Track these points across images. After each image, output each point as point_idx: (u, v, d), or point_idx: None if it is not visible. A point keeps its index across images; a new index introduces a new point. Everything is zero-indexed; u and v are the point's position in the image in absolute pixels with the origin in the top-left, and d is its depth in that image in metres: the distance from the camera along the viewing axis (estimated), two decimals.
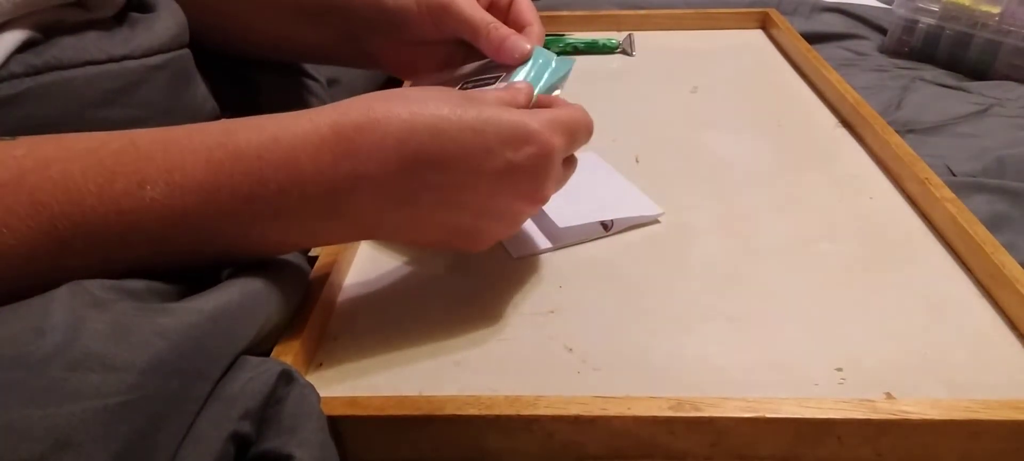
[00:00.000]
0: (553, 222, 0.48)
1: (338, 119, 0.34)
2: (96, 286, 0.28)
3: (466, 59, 0.53)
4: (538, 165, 0.37)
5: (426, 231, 0.38)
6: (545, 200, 0.40)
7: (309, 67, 0.63)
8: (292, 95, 0.60)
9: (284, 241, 0.36)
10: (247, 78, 0.58)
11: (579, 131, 0.41)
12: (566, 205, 0.49)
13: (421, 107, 0.35)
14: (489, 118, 0.36)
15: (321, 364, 0.39)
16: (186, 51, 0.46)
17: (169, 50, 0.43)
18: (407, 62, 0.55)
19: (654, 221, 0.50)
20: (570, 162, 0.43)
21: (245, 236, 0.34)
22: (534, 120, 0.37)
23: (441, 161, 0.35)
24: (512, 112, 0.37)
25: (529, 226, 0.50)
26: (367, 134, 0.34)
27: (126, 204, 0.30)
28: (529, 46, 0.47)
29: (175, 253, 0.32)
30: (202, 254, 0.34)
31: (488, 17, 0.49)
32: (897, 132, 0.57)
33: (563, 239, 0.48)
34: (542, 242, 0.48)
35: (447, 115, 0.35)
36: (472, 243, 0.40)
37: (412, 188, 0.35)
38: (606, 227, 0.49)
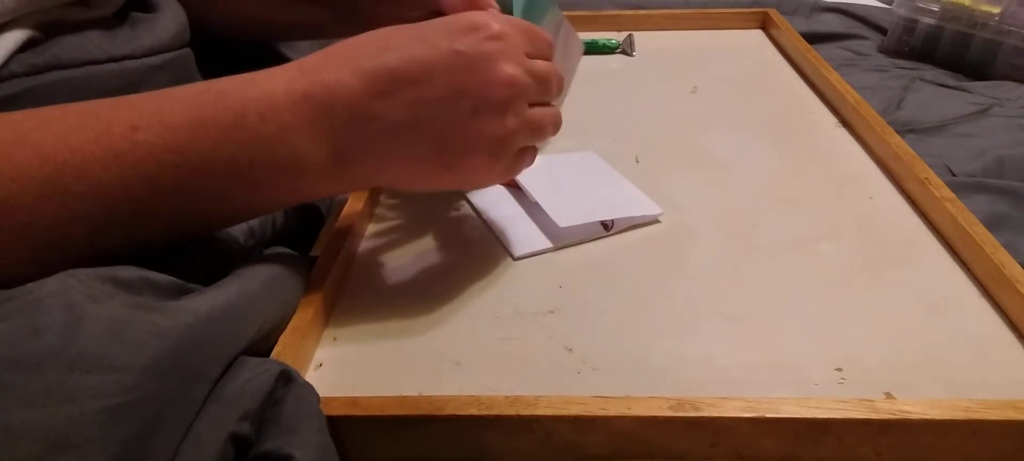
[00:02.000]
0: (553, 221, 0.48)
1: (304, 61, 0.37)
2: (91, 277, 0.28)
3: None
4: (488, 48, 0.37)
5: (404, 150, 0.38)
6: (508, 80, 0.38)
7: None
8: None
9: (272, 181, 0.36)
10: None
11: (538, 37, 0.41)
12: (566, 205, 0.50)
13: (377, 33, 0.38)
14: (433, 22, 0.38)
15: (321, 364, 0.39)
16: (187, 51, 0.46)
17: (170, 50, 0.43)
18: None
19: (654, 221, 0.50)
20: (546, 90, 0.41)
21: (232, 170, 0.35)
22: (480, 14, 0.38)
23: (395, 69, 0.36)
24: (458, 11, 0.38)
25: (529, 226, 0.50)
26: (331, 61, 0.36)
27: (122, 147, 0.32)
28: None
29: (170, 194, 0.34)
30: (197, 197, 0.35)
31: None
32: (897, 132, 0.57)
33: (563, 238, 0.48)
34: (542, 242, 0.48)
35: (398, 31, 0.38)
36: (459, 161, 0.39)
37: (379, 107, 0.36)
38: (606, 227, 0.49)
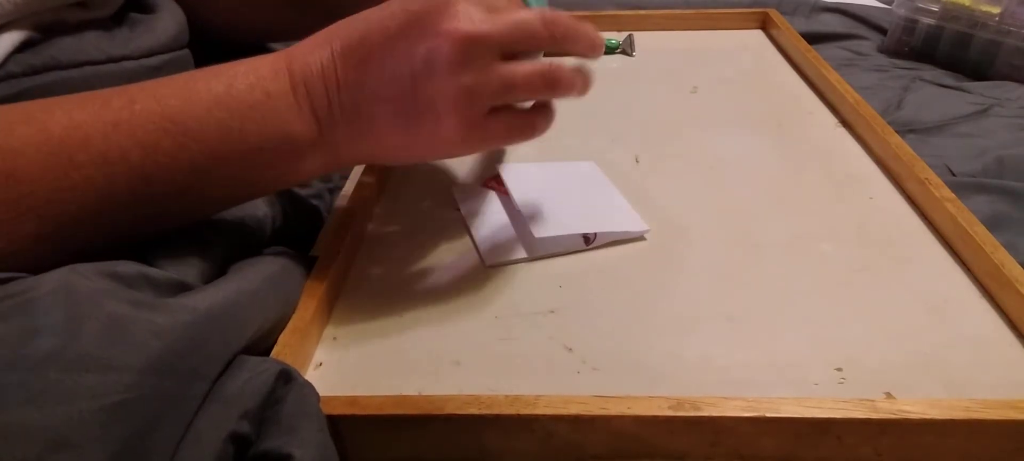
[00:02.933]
0: (530, 231, 0.47)
1: (290, 46, 0.39)
2: (90, 273, 0.28)
3: None
4: (439, 2, 0.37)
5: (380, 124, 0.38)
6: (459, 33, 0.36)
7: None
8: None
9: (261, 148, 0.37)
10: None
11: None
12: (549, 215, 0.48)
13: (358, 13, 0.39)
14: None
15: (321, 364, 0.39)
16: (185, 52, 0.46)
17: (168, 51, 0.43)
18: None
19: (639, 238, 0.49)
20: (516, 41, 0.38)
21: (228, 138, 0.36)
22: None
23: (361, 38, 0.38)
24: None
25: (509, 234, 0.49)
26: (311, 40, 0.39)
27: (121, 117, 0.34)
28: None
29: (169, 161, 0.35)
30: (196, 163, 0.36)
31: None
32: (897, 132, 0.57)
33: (539, 250, 0.47)
34: (517, 252, 0.47)
35: (374, 9, 0.38)
36: (424, 124, 0.38)
37: (350, 76, 0.37)
38: (587, 240, 0.48)
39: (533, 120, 0.41)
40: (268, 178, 0.39)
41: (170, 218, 0.37)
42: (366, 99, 0.38)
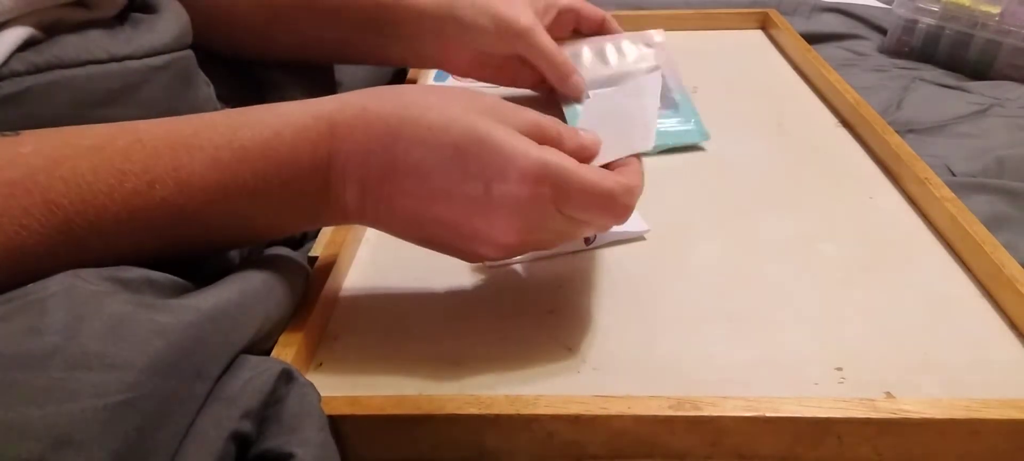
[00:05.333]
0: None
1: (334, 114, 0.35)
2: (92, 276, 0.28)
3: (522, 71, 0.59)
4: (517, 206, 0.34)
5: (404, 233, 0.38)
6: (513, 246, 0.37)
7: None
8: (298, 94, 0.61)
9: (282, 227, 0.38)
10: (251, 76, 0.58)
11: (573, 193, 0.35)
12: None
13: (413, 112, 0.35)
14: (475, 138, 0.34)
15: (321, 364, 0.39)
16: (189, 52, 0.46)
17: (171, 50, 0.43)
18: (465, 65, 0.60)
19: (639, 238, 0.49)
20: (575, 223, 0.37)
21: (251, 227, 0.36)
22: (524, 158, 0.34)
23: (417, 172, 0.35)
24: (505, 137, 0.34)
25: None
26: (358, 132, 0.35)
27: (137, 203, 0.31)
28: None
29: (185, 245, 0.34)
30: (211, 245, 0.36)
31: (563, 56, 0.57)
32: (897, 132, 0.57)
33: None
34: None
35: (433, 124, 0.34)
36: (454, 254, 0.39)
37: (389, 195, 0.36)
38: (587, 241, 0.48)
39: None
40: (280, 236, 0.41)
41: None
42: (408, 218, 0.37)
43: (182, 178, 0.32)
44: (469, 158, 0.34)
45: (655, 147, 0.55)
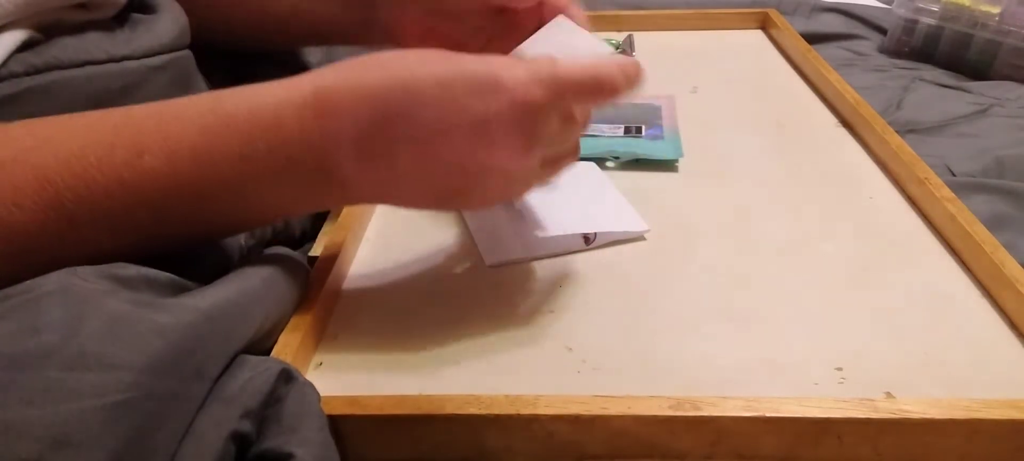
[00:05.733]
0: (530, 230, 0.47)
1: (317, 81, 0.35)
2: (90, 274, 0.28)
3: (486, 42, 0.52)
4: (514, 118, 0.34)
5: (412, 190, 0.37)
6: (521, 171, 0.37)
7: (310, 64, 0.63)
8: None
9: (278, 204, 0.37)
10: (249, 78, 0.58)
11: (567, 86, 0.35)
12: (549, 214, 0.48)
13: (394, 65, 0.35)
14: (458, 70, 0.34)
15: (321, 363, 0.39)
16: (187, 52, 0.46)
17: (170, 51, 0.43)
18: (422, 35, 0.54)
19: (639, 238, 0.49)
20: (570, 121, 0.38)
21: (241, 198, 0.35)
22: (507, 71, 0.34)
23: (411, 115, 0.34)
24: (485, 62, 0.35)
25: (505, 232, 0.48)
26: (344, 94, 0.34)
27: (127, 174, 0.31)
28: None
29: (176, 221, 0.34)
30: (202, 221, 0.35)
31: None
32: (897, 132, 0.57)
33: (539, 249, 0.47)
34: (517, 251, 0.47)
35: (416, 70, 0.34)
36: (466, 201, 0.39)
37: (387, 145, 0.34)
38: (587, 240, 0.48)
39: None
40: (285, 216, 0.41)
41: (175, 250, 0.36)
42: (409, 172, 0.36)
43: (171, 148, 0.32)
44: (455, 87, 0.34)
45: (629, 155, 0.58)
